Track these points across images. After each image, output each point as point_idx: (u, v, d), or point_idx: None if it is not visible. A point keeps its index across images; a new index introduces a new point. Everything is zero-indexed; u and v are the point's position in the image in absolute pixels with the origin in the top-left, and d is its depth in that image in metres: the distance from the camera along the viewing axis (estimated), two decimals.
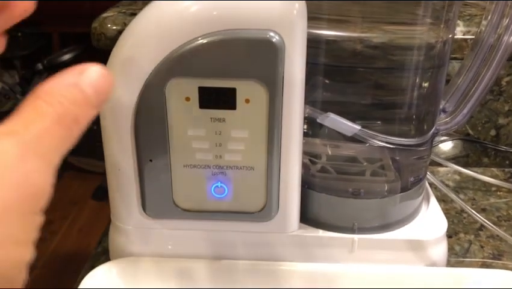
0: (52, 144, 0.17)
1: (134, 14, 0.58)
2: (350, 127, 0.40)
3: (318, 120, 0.40)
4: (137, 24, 0.35)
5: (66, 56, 2.00)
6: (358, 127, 0.40)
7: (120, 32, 0.52)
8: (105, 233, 0.44)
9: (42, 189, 0.17)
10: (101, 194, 1.80)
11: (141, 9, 0.35)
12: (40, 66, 1.97)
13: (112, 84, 0.20)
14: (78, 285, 0.38)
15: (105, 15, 0.59)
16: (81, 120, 0.18)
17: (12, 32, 0.21)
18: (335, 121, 0.39)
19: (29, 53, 2.14)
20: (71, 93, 0.18)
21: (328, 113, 0.39)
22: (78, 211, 1.81)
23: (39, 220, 0.17)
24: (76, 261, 1.53)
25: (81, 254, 1.57)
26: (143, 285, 0.39)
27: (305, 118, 0.39)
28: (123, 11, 0.60)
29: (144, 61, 0.34)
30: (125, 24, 0.57)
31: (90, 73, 0.19)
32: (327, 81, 0.41)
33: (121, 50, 0.35)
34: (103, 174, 0.38)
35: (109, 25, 0.57)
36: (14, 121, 0.17)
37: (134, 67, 0.34)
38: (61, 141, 0.17)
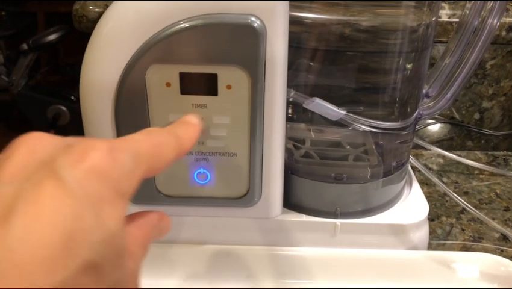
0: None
1: None
2: (335, 112, 0.40)
3: (304, 105, 0.40)
4: (117, 8, 0.34)
5: (52, 37, 1.96)
6: (343, 112, 0.40)
7: (101, 14, 0.51)
8: None
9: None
10: None
11: None
12: (25, 46, 1.93)
13: (170, 225, 0.27)
14: None
15: None
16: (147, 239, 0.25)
17: None
18: (320, 106, 0.39)
19: (13, 33, 2.10)
20: (150, 231, 0.25)
21: (314, 98, 0.39)
22: None
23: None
24: None
25: None
26: None
27: (289, 102, 0.39)
28: None
29: (124, 46, 0.33)
30: (107, 6, 0.56)
31: (165, 221, 0.27)
32: (311, 65, 0.41)
33: (100, 34, 0.34)
34: None
35: (90, 7, 0.56)
36: None
37: (114, 51, 0.34)
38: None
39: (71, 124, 1.89)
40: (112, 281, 0.19)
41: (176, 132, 0.27)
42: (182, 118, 0.31)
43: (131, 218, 0.24)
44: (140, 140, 0.23)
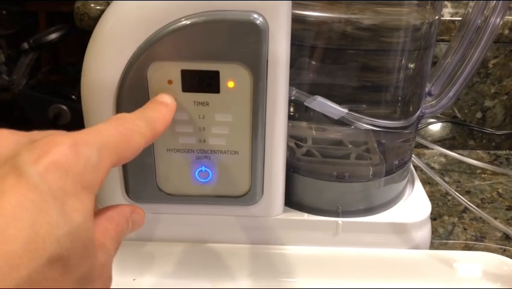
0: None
1: None
2: (337, 110, 0.39)
3: (305, 103, 0.39)
4: (119, 5, 0.34)
5: (53, 36, 1.96)
6: (345, 110, 0.39)
7: (103, 12, 0.50)
8: None
9: None
10: None
11: None
12: (26, 45, 1.93)
13: (143, 218, 0.28)
14: None
15: None
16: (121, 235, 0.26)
17: None
18: (322, 104, 0.39)
19: (14, 32, 2.10)
20: (123, 223, 0.26)
21: (316, 96, 0.39)
22: None
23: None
24: None
25: None
26: (126, 268, 0.39)
27: (291, 101, 0.39)
28: None
29: (126, 43, 0.33)
30: (108, 4, 0.56)
31: (137, 213, 0.27)
32: (313, 63, 0.41)
33: (102, 32, 0.34)
34: None
35: (92, 5, 0.56)
36: None
37: (115, 49, 0.34)
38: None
39: (72, 124, 1.88)
40: (81, 273, 0.20)
41: (147, 115, 0.27)
42: (155, 97, 0.31)
43: (102, 211, 0.25)
44: (107, 130, 0.23)
